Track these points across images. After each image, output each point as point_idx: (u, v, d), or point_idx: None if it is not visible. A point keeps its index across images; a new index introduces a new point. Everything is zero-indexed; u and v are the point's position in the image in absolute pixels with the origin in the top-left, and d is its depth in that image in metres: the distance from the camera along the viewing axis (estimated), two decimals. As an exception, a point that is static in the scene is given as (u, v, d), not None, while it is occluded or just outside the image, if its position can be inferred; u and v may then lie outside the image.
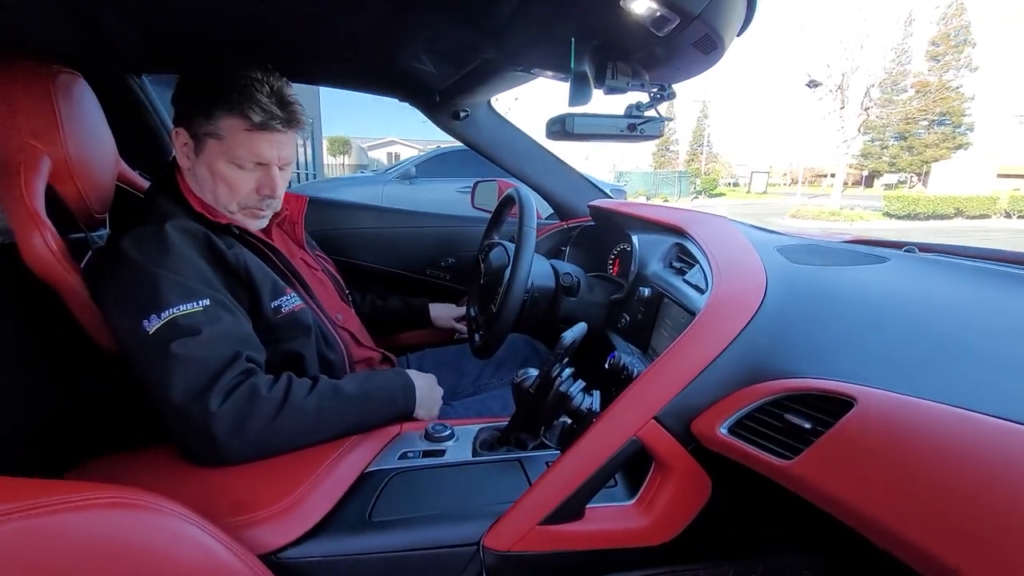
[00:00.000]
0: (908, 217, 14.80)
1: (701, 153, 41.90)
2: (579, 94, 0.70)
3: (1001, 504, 0.40)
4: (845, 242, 1.02)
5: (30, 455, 0.81)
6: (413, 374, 0.94)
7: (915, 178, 32.18)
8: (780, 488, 0.58)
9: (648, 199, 24.07)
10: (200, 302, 0.75)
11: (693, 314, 0.78)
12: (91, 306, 0.80)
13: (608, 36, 0.67)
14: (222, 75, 0.85)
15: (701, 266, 0.86)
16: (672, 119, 0.81)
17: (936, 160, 27.45)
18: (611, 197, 1.59)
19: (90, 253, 0.95)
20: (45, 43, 0.95)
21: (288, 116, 0.87)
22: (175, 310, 0.72)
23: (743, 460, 0.60)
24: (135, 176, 1.16)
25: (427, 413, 0.93)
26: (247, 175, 0.88)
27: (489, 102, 1.44)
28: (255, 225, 0.94)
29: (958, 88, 26.16)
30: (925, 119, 27.25)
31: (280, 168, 0.91)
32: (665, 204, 1.22)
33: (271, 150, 0.88)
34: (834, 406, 0.54)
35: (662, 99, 0.77)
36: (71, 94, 0.88)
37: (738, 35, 0.68)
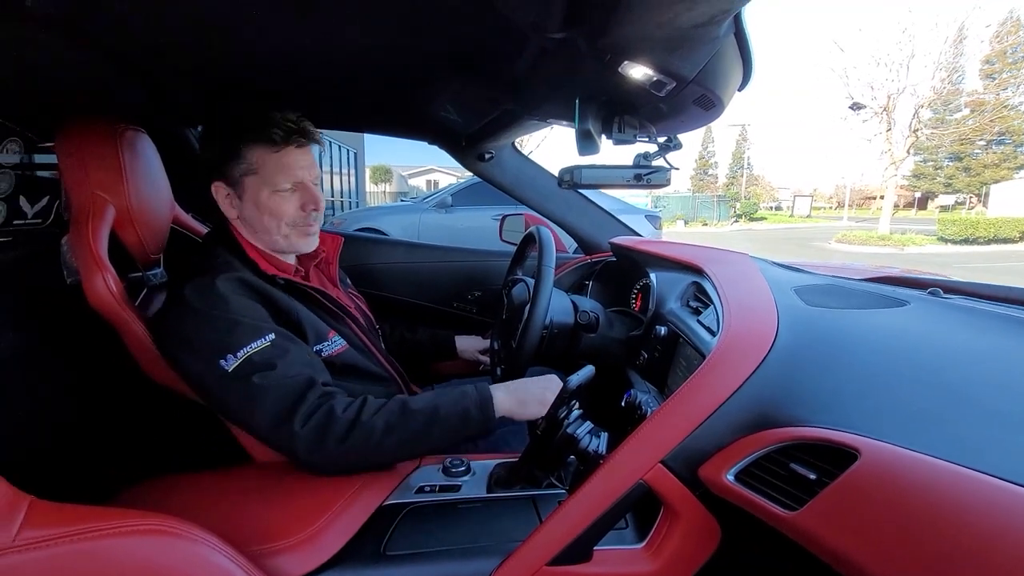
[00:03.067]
0: (966, 241, 13.97)
1: (741, 176, 41.16)
2: (586, 148, 0.74)
3: (997, 568, 0.39)
4: (870, 280, 1.00)
5: (81, 478, 0.88)
6: (497, 386, 0.89)
7: (974, 199, 30.52)
8: (790, 539, 0.57)
9: (686, 223, 23.73)
10: (267, 337, 0.82)
11: (704, 356, 0.79)
12: (145, 342, 0.88)
13: (614, 94, 0.71)
14: (238, 118, 0.94)
15: (715, 307, 0.86)
16: (679, 168, 0.83)
17: (996, 181, 26.00)
18: (636, 233, 1.60)
19: (145, 290, 1.05)
20: (115, 105, 1.07)
21: (303, 130, 0.94)
22: (248, 348, 0.80)
23: (750, 509, 0.60)
24: (188, 219, 1.27)
25: (535, 411, 0.88)
26: (289, 197, 0.94)
27: (513, 143, 1.50)
28: (307, 245, 1.00)
29: (1018, 106, 24.88)
30: (982, 139, 25.95)
31: (314, 184, 0.98)
32: (684, 243, 1.22)
33: (301, 169, 0.95)
34: (839, 457, 0.54)
35: (669, 150, 0.80)
36: (135, 149, 0.98)
37: (739, 90, 0.70)
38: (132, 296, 0.93)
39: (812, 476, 0.55)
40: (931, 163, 31.12)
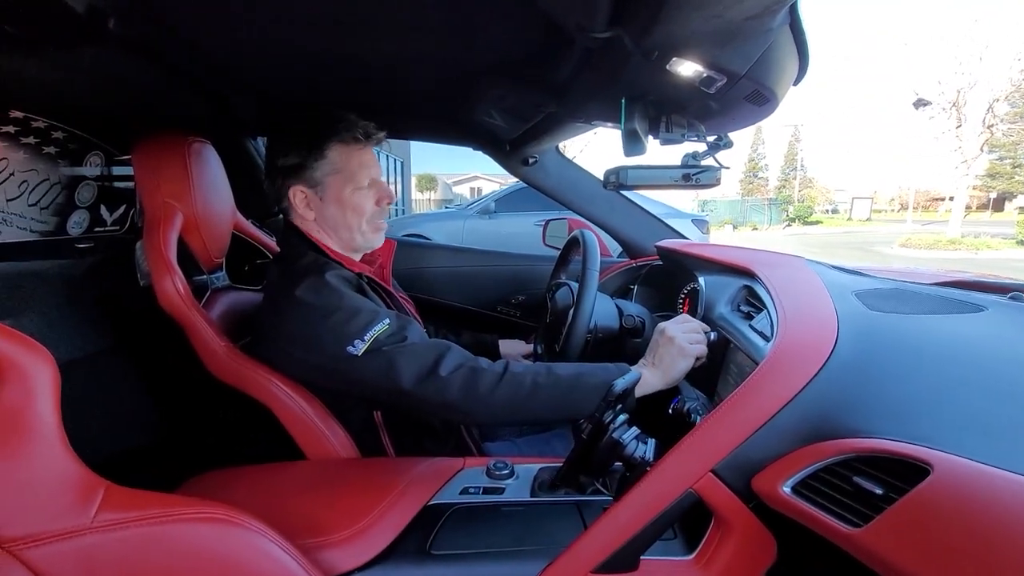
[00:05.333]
0: (1051, 244, 12.77)
1: (794, 178, 39.43)
2: (632, 148, 0.73)
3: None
4: (941, 284, 0.94)
5: (150, 468, 0.94)
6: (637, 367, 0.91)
7: (1059, 200, 27.99)
8: (854, 557, 0.54)
9: (734, 228, 22.98)
10: (385, 321, 0.86)
11: (757, 363, 0.76)
12: (209, 341, 0.93)
13: (661, 92, 0.70)
14: (323, 121, 0.96)
15: (768, 312, 0.83)
16: (728, 167, 0.81)
17: (1086, 179, 23.77)
18: (683, 236, 1.57)
19: (209, 292, 1.11)
20: (184, 119, 1.15)
21: (374, 128, 0.99)
22: (372, 331, 0.84)
23: (808, 523, 0.57)
24: (247, 225, 1.34)
25: (685, 365, 0.89)
26: (367, 193, 0.99)
27: (557, 147, 1.50)
28: (379, 239, 1.04)
29: (1111, 97, 22.65)
30: (1069, 133, 23.75)
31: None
32: (734, 246, 1.18)
33: (374, 166, 0.99)
34: (908, 471, 0.50)
35: (718, 148, 0.78)
36: (201, 159, 1.05)
37: (794, 84, 0.67)
38: (196, 298, 0.99)
39: (878, 491, 0.51)
40: (1008, 161, 28.75)
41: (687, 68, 0.57)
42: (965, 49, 13.49)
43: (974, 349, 0.62)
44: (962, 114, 13.64)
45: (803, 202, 31.64)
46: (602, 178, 0.91)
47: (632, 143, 0.72)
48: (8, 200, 0.99)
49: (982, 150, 13.89)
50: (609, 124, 0.89)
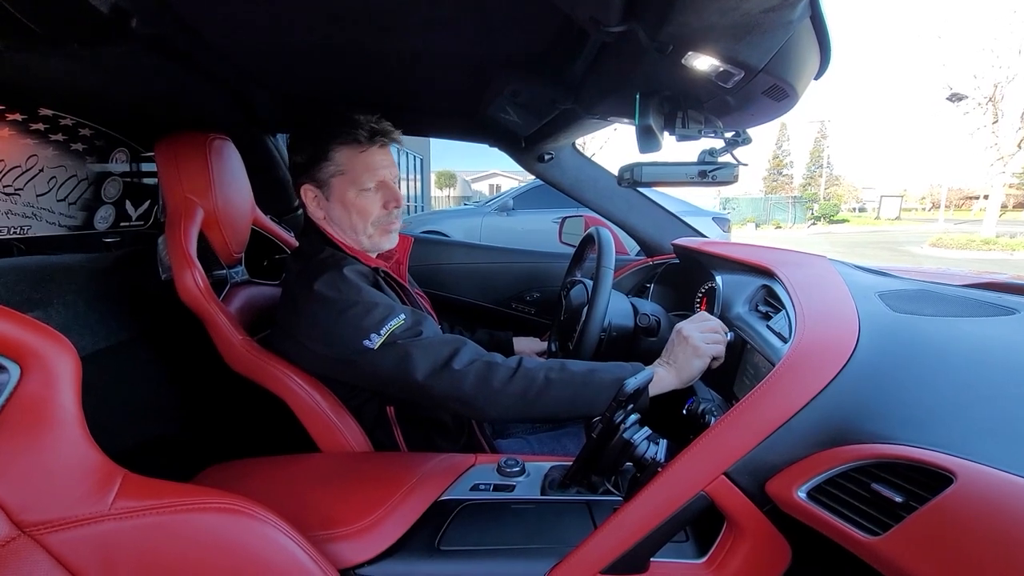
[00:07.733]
0: (1092, 245, 12.21)
1: (820, 176, 38.47)
2: (647, 145, 0.72)
3: None
4: (970, 286, 0.90)
5: (166, 456, 0.96)
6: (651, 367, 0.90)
7: (1103, 199, 26.75)
8: (871, 566, 0.52)
9: (757, 226, 22.57)
10: (401, 316, 0.87)
11: (774, 364, 0.74)
12: (228, 334, 0.94)
13: (677, 87, 0.69)
14: (326, 121, 0.97)
15: (787, 312, 0.81)
16: (747, 164, 0.79)
17: None
18: (701, 234, 1.54)
19: (228, 286, 1.13)
20: (206, 117, 1.17)
21: (385, 129, 0.98)
22: (388, 325, 0.86)
23: (823, 530, 0.56)
24: (266, 220, 1.36)
25: (700, 365, 0.88)
26: (373, 196, 0.98)
27: (573, 144, 1.49)
28: (389, 242, 1.04)
29: None
30: (1115, 129, 22.63)
31: (393, 182, 1.01)
32: (754, 244, 1.15)
33: (383, 168, 0.98)
34: (930, 479, 0.49)
35: (736, 145, 0.76)
36: (221, 155, 1.07)
37: (815, 79, 0.65)
38: (216, 292, 1.01)
39: (898, 499, 0.50)
40: (1048, 158, 27.62)
41: (703, 62, 0.55)
42: (1003, 42, 12.97)
43: (1003, 353, 0.60)
44: (999, 109, 13.11)
45: (829, 200, 30.86)
46: (617, 174, 0.89)
47: (647, 139, 0.71)
48: (38, 195, 1.02)
49: (1020, 147, 13.33)
50: (624, 120, 0.87)
